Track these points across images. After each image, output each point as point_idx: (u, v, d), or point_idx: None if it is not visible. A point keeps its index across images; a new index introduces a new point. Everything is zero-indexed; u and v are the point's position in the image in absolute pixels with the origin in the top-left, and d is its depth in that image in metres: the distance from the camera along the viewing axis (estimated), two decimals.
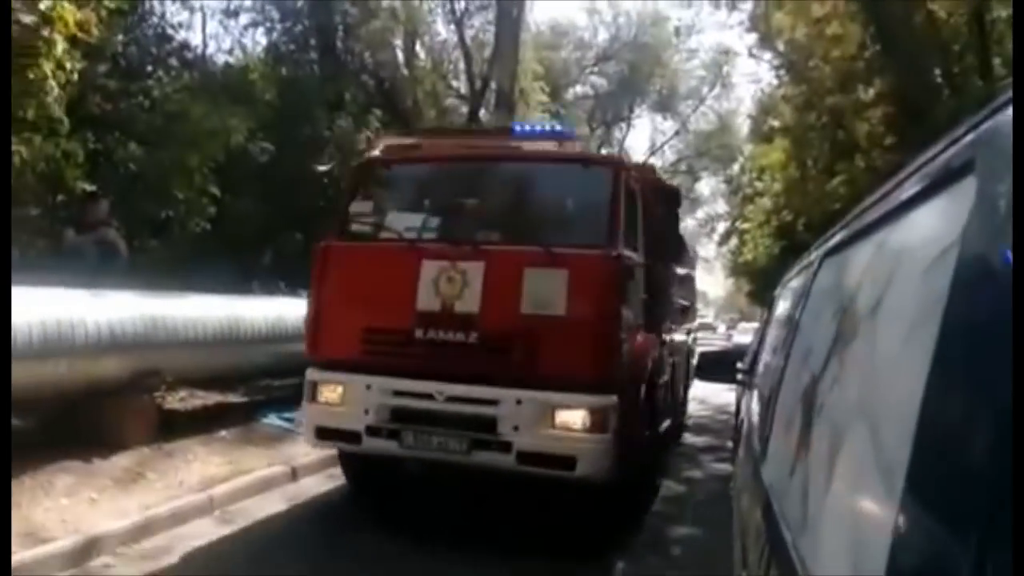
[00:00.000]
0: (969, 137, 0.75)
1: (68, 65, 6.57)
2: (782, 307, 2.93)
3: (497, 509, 5.19)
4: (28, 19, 5.63)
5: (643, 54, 33.25)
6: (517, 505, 5.05)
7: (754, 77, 27.63)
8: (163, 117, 8.70)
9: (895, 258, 1.02)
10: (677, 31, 32.03)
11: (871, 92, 14.26)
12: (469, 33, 18.19)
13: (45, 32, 5.77)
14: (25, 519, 4.15)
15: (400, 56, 16.08)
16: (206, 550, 4.27)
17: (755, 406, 2.89)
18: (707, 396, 13.32)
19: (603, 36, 35.57)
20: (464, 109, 18.47)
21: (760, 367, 3.16)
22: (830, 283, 1.64)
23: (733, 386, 10.62)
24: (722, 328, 41.47)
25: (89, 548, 3.97)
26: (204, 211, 8.60)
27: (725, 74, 35.50)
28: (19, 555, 3.66)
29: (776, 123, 22.11)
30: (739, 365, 4.41)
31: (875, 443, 0.87)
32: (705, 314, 39.65)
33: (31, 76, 6.04)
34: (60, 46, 6.24)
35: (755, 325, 17.32)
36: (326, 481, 6.02)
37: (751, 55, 20.57)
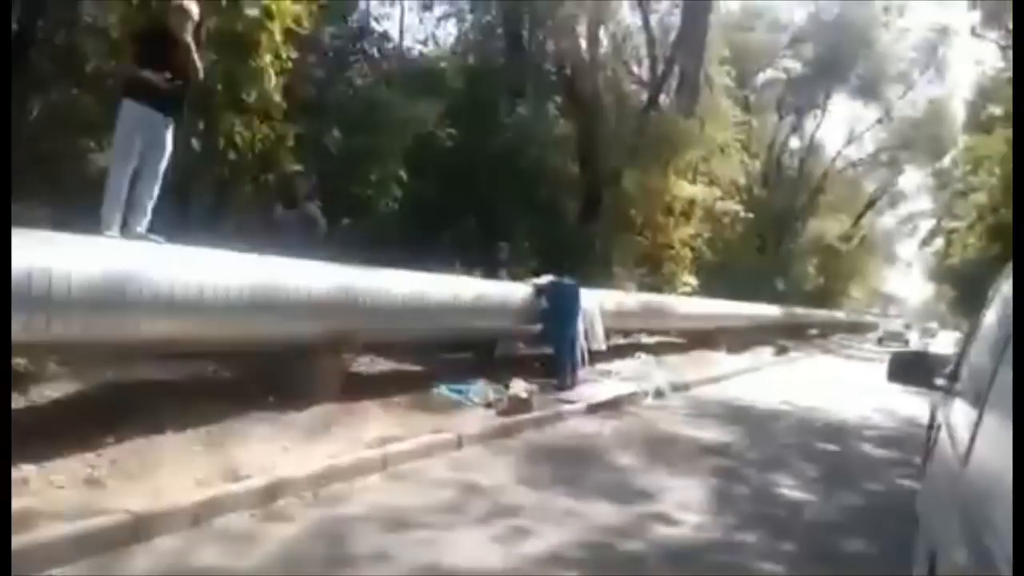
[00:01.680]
0: None
1: (284, 55, 7.29)
2: (999, 304, 2.60)
3: None
4: (252, 13, 6.30)
5: (844, 35, 30.64)
6: None
7: (976, 59, 24.50)
8: (362, 105, 9.39)
9: None
10: (886, 9, 29.20)
11: None
12: (654, 16, 17.80)
13: (267, 24, 6.42)
14: (227, 458, 4.70)
15: (583, 43, 16.10)
16: (377, 502, 4.60)
17: (956, 411, 2.60)
18: (892, 405, 12.22)
19: (800, 15, 33.34)
20: (644, 96, 18.15)
21: (966, 371, 2.83)
22: None
23: (925, 398, 9.67)
24: (914, 337, 37.34)
25: (277, 489, 4.41)
26: (392, 193, 9.20)
27: (940, 56, 31.98)
28: (216, 489, 4.16)
29: (999, 110, 19.60)
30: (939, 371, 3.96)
31: None
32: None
33: (253, 65, 6.77)
34: (278, 37, 6.95)
35: (956, 335, 15.55)
36: (487, 451, 6.25)
37: (974, 34, 18.29)
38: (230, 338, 5.06)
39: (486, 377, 8.29)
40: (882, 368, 12.43)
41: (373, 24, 11.33)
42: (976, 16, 17.52)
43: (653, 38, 17.68)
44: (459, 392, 7.73)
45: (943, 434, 2.74)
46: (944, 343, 22.20)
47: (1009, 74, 18.25)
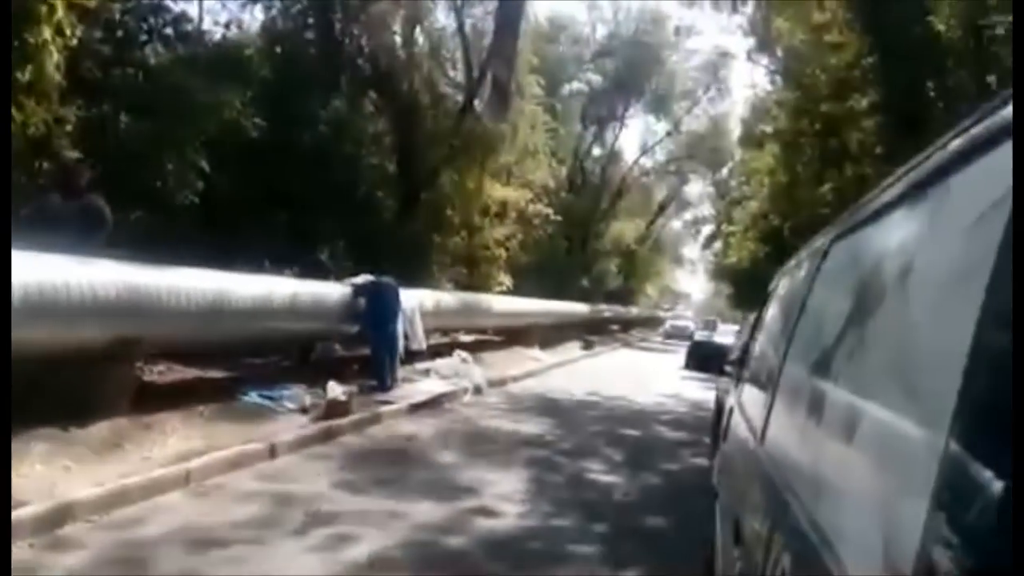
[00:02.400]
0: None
1: (68, 31, 6.44)
2: (780, 298, 2.92)
3: None
4: None
5: (641, 52, 33.28)
6: None
7: (750, 81, 27.84)
8: (156, 88, 8.54)
9: (927, 229, 1.01)
10: (677, 30, 32.13)
11: (865, 102, 14.34)
12: (469, 21, 18.06)
13: None
14: None
15: (398, 40, 15.95)
16: (179, 522, 4.21)
17: (747, 395, 2.89)
18: (683, 392, 13.46)
19: (602, 32, 35.60)
20: (460, 98, 18.35)
21: (753, 358, 3.16)
22: (844, 264, 1.63)
23: (711, 384, 10.75)
24: (697, 330, 31.70)
25: (61, 514, 3.89)
26: (192, 184, 8.47)
27: (721, 77, 35.71)
28: None
29: (768, 128, 22.21)
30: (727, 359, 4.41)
31: (912, 405, 0.86)
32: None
33: (31, 40, 5.92)
34: (60, 11, 6.12)
35: (735, 327, 17.46)
36: (304, 460, 5.96)
37: (749, 59, 20.66)
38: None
39: (302, 381, 7.93)
40: (672, 359, 13.89)
41: (169, 2, 10.39)
42: (751, 42, 19.73)
43: (468, 43, 17.92)
44: (271, 399, 7.31)
45: (736, 416, 3.04)
46: (724, 335, 24.76)
47: (776, 97, 20.80)
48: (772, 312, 3.03)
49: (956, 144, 0.97)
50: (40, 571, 3.37)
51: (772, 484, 1.54)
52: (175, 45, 9.69)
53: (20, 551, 3.53)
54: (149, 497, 4.49)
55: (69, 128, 7.18)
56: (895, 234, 1.24)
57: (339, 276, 10.11)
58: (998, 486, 0.56)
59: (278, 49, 12.63)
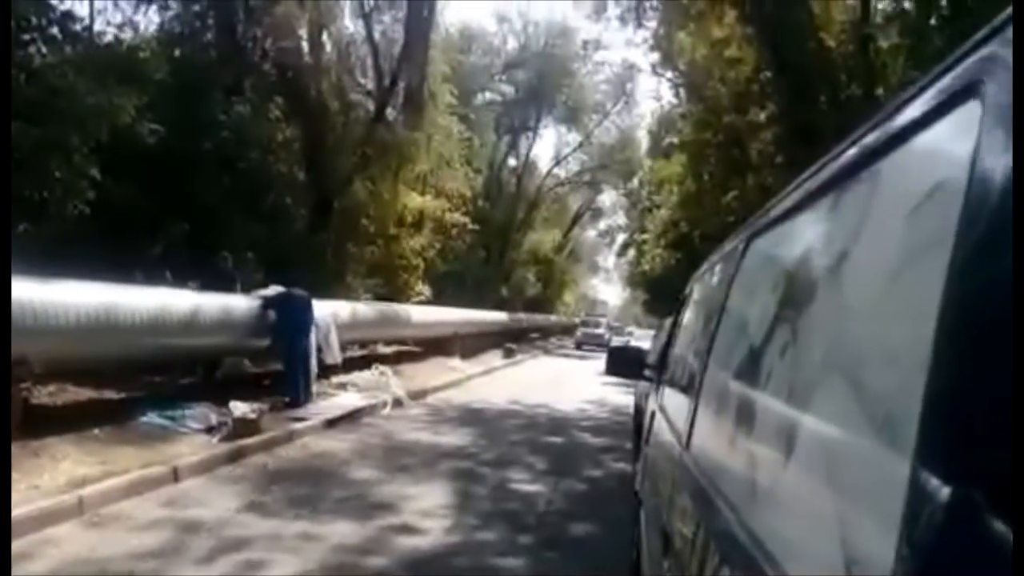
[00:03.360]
0: (971, 60, 0.70)
1: None
2: (698, 300, 2.95)
3: None
4: None
5: (551, 64, 33.88)
6: None
7: (656, 94, 28.86)
8: (42, 91, 7.94)
9: (851, 221, 0.99)
10: (585, 44, 32.81)
11: (764, 114, 15.03)
12: (378, 28, 17.82)
13: None
14: None
15: (304, 45, 15.52)
16: (71, 555, 3.87)
17: (669, 400, 2.89)
18: (605, 397, 13.65)
19: (512, 44, 36.02)
20: (371, 106, 18.06)
21: (673, 362, 3.17)
22: (763, 262, 1.63)
23: (630, 389, 10.94)
24: (605, 333, 34.43)
25: None
26: (83, 194, 7.90)
27: (629, 90, 36.74)
28: None
29: (675, 139, 22.98)
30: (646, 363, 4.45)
31: (843, 403, 0.82)
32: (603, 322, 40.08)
33: None
34: None
35: (650, 332, 17.89)
36: (211, 483, 5.63)
37: (654, 72, 21.28)
38: None
39: (208, 399, 7.51)
40: (591, 365, 14.09)
41: (54, 0, 9.71)
42: (655, 56, 20.31)
43: (378, 49, 17.66)
44: (172, 419, 6.89)
45: (659, 420, 3.04)
46: (641, 340, 25.35)
47: (681, 109, 21.53)
48: (690, 315, 3.06)
49: (877, 132, 0.96)
50: None
51: (701, 491, 1.51)
52: (62, 45, 9.05)
53: None
54: (38, 529, 4.13)
55: None
56: (816, 228, 1.23)
57: (245, 284, 9.69)
58: (943, 488, 0.54)
59: (176, 52, 12.04)
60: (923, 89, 0.83)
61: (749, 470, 1.18)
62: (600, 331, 35.28)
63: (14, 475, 4.70)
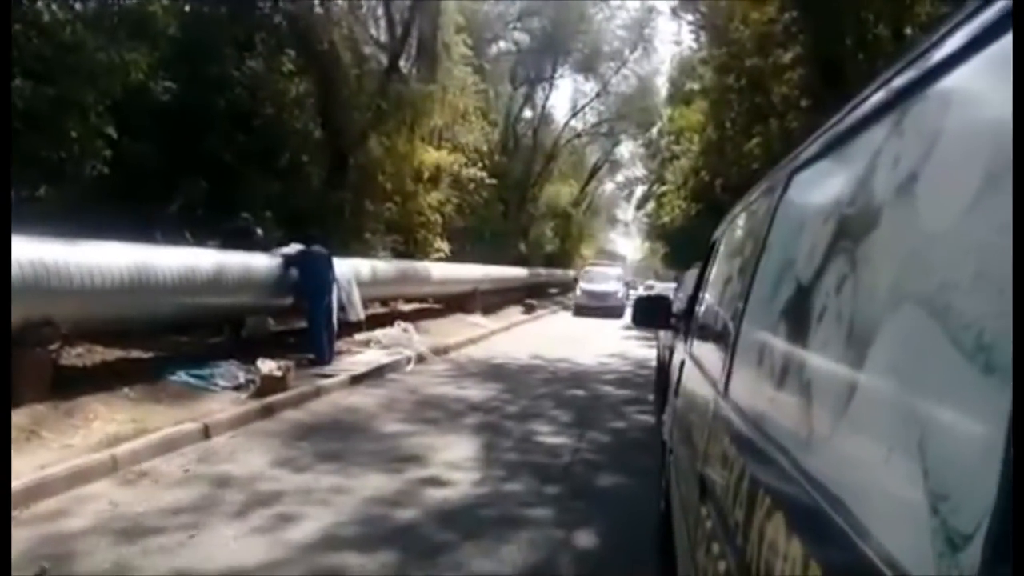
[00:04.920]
0: None
1: None
2: (729, 244, 2.86)
3: None
4: None
5: (567, 10, 32.90)
6: None
7: (675, 39, 28.00)
8: (53, 48, 7.85)
9: (914, 147, 0.91)
10: None
11: (788, 56, 14.56)
12: None
13: None
14: None
15: None
16: (106, 512, 3.94)
17: (700, 348, 2.82)
18: (627, 351, 13.65)
19: None
20: (384, 58, 17.76)
21: (704, 309, 3.10)
22: (809, 197, 1.54)
23: (652, 343, 10.89)
24: (617, 291, 25.02)
25: None
26: (99, 153, 7.87)
27: (647, 35, 35.74)
28: None
29: (695, 86, 22.43)
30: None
31: (909, 345, 0.76)
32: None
33: None
34: None
35: (671, 285, 17.74)
36: (241, 439, 5.71)
37: (674, 15, 20.57)
38: None
39: (234, 358, 7.59)
40: (611, 320, 14.08)
41: None
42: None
43: None
44: (200, 377, 6.97)
45: (689, 369, 2.98)
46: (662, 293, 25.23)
47: (702, 54, 20.94)
48: (721, 259, 2.97)
49: (940, 46, 0.89)
50: None
51: (743, 436, 1.46)
52: (71, 1, 8.92)
53: None
54: (74, 487, 4.21)
55: None
56: (869, 158, 1.14)
57: (268, 243, 9.69)
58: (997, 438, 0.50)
59: (186, 7, 11.84)
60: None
61: (803, 413, 1.12)
62: (610, 288, 24.23)
63: (48, 434, 4.81)
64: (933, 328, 0.70)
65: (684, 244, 22.63)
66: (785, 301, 1.44)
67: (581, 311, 23.36)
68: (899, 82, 1.01)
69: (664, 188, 30.67)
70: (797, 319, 1.31)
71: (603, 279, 25.48)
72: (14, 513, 3.76)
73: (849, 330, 0.99)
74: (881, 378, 0.83)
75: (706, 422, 2.05)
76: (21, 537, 3.51)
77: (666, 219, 30.36)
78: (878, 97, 1.10)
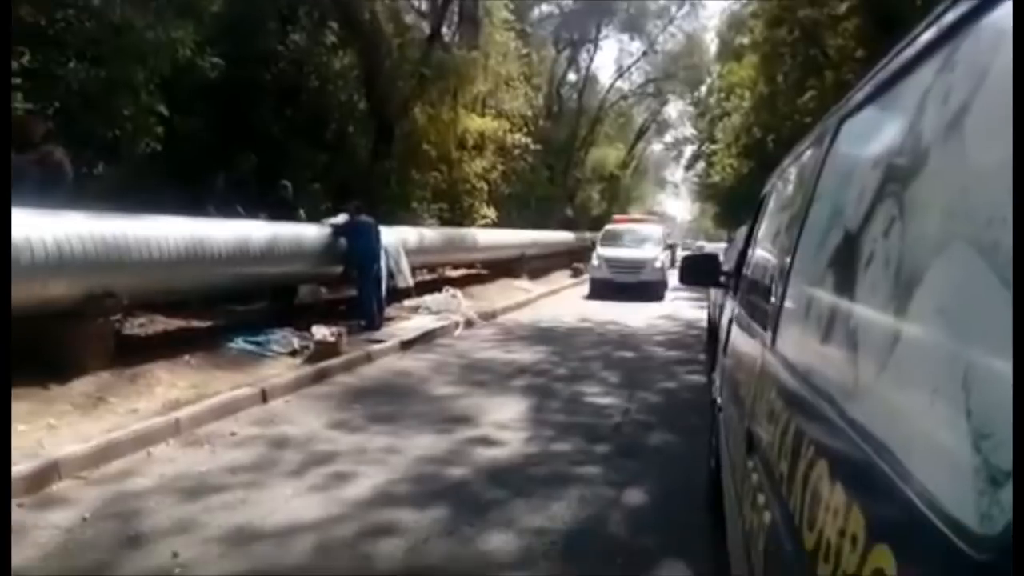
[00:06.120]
0: None
1: None
2: (778, 197, 2.78)
3: None
4: None
5: None
6: None
7: None
8: (103, 29, 8.05)
9: (983, 71, 0.86)
10: None
11: (844, 5, 13.93)
12: None
13: None
14: None
15: None
16: (171, 471, 4.13)
17: (749, 303, 2.77)
18: (677, 312, 13.51)
19: None
20: (426, 26, 17.65)
21: (753, 265, 3.03)
22: (859, 145, 1.48)
23: (703, 303, 10.74)
24: (656, 258, 17.08)
25: (48, 473, 3.79)
26: (152, 131, 8.08)
27: None
28: None
29: (745, 40, 21.69)
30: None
31: (959, 294, 0.73)
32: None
33: None
34: None
35: (722, 246, 17.38)
36: (297, 402, 5.88)
37: None
38: None
39: (288, 326, 7.80)
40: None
41: None
42: None
43: None
44: (257, 344, 7.19)
45: (738, 325, 2.93)
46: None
47: (752, 7, 20.19)
48: (770, 213, 2.89)
49: None
50: (35, 530, 3.27)
51: (789, 388, 1.43)
52: None
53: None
54: (139, 449, 4.40)
55: (17, 80, 6.75)
56: (921, 100, 1.08)
57: (311, 214, 9.83)
58: None
59: None
60: None
61: (848, 362, 1.09)
62: (644, 254, 16.63)
63: (113, 400, 5.03)
64: (978, 267, 0.66)
65: (735, 203, 22.11)
66: (833, 251, 1.40)
67: (598, 290, 15.97)
68: (949, 18, 0.96)
69: (714, 147, 29.94)
70: (844, 268, 1.27)
71: (634, 241, 17.33)
72: (85, 473, 3.97)
73: (896, 275, 0.96)
74: (926, 322, 0.80)
75: (754, 377, 2.02)
76: (92, 496, 3.71)
77: (716, 179, 29.70)
78: (927, 36, 1.06)
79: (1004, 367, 0.59)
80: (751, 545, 1.48)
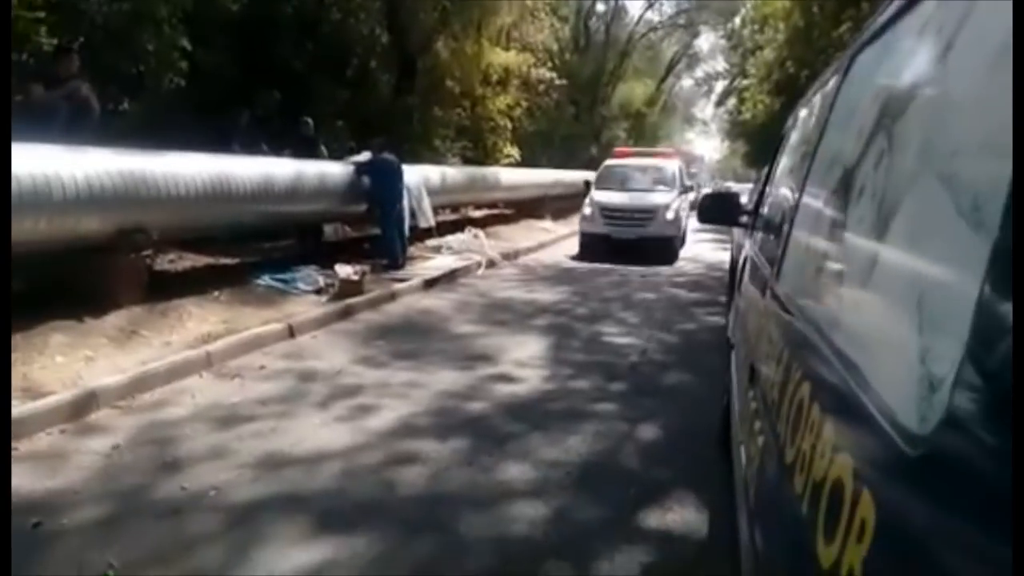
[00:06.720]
0: None
1: None
2: (794, 135, 2.75)
3: None
4: None
5: None
6: None
7: None
8: None
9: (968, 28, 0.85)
10: None
11: None
12: None
13: None
14: (22, 376, 4.16)
15: None
16: (204, 401, 4.31)
17: (762, 239, 2.78)
18: (699, 254, 13.44)
19: None
20: None
21: (768, 202, 3.03)
22: (868, 80, 1.47)
23: (726, 246, 10.65)
24: (671, 205, 12.76)
25: (87, 402, 3.99)
26: (176, 66, 8.09)
27: None
28: (17, 409, 3.68)
29: None
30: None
31: (942, 236, 0.76)
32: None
33: None
34: None
35: (749, 186, 17.11)
36: (323, 338, 6.04)
37: None
38: None
39: (314, 264, 7.93)
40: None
41: None
42: None
43: None
44: (284, 281, 7.35)
45: (751, 262, 2.95)
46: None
47: None
48: (786, 151, 2.87)
49: None
50: (76, 455, 3.48)
51: (785, 317, 1.47)
52: None
53: (52, 438, 3.66)
54: (173, 380, 4.59)
55: (40, 13, 6.77)
56: (927, 33, 1.07)
57: (335, 151, 9.84)
58: None
59: None
60: None
61: (835, 291, 1.14)
62: (652, 201, 12.67)
63: (147, 333, 5.22)
64: (943, 197, 0.69)
65: (766, 142, 21.58)
66: (831, 187, 1.43)
67: (589, 249, 12.46)
68: None
69: (746, 82, 29.07)
70: (836, 202, 1.30)
71: (640, 183, 13.47)
72: (122, 403, 4.17)
73: (877, 208, 0.99)
74: (897, 250, 0.83)
75: (759, 311, 2.06)
76: (129, 424, 3.91)
77: (747, 116, 28.90)
78: None
79: (953, 285, 0.62)
80: (747, 469, 1.55)
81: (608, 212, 12.44)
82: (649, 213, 12.33)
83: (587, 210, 12.92)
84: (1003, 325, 0.52)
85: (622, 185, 13.40)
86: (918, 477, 0.60)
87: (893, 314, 0.79)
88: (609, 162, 15.02)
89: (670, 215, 12.39)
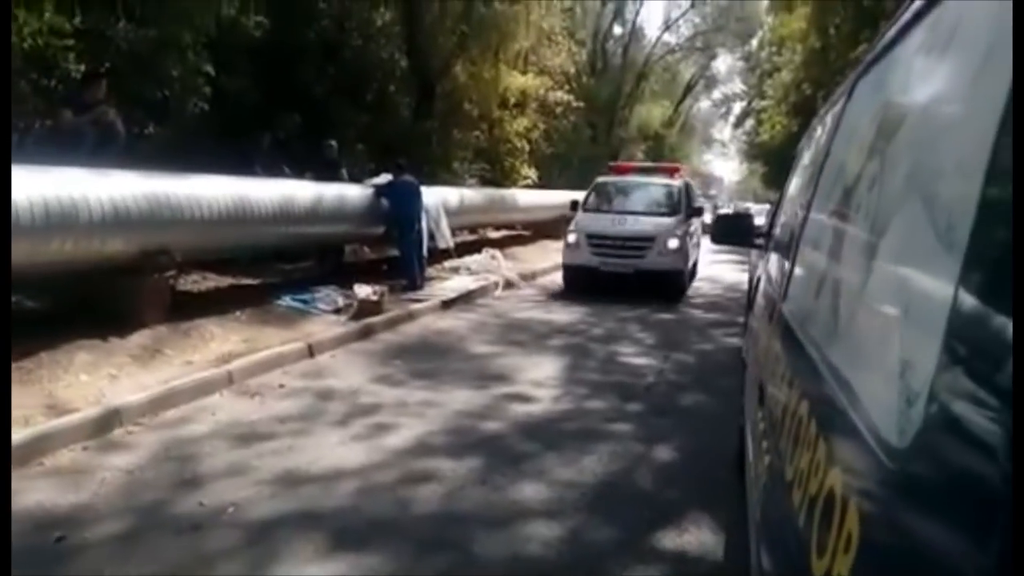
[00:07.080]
0: None
1: None
2: (803, 158, 2.78)
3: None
4: None
5: None
6: None
7: None
8: None
9: (951, 54, 0.89)
10: None
11: None
12: None
13: None
14: (47, 393, 4.25)
15: None
16: (225, 419, 4.38)
17: (773, 260, 2.80)
18: (717, 275, 13.40)
19: None
20: None
21: (779, 223, 3.05)
22: (867, 104, 1.51)
23: (744, 266, 10.60)
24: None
25: (110, 419, 4.06)
26: (200, 91, 8.29)
27: None
28: (42, 425, 3.77)
29: None
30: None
31: (925, 251, 0.79)
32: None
33: None
34: None
35: (767, 207, 17.09)
36: (342, 357, 6.11)
37: None
38: (24, 263, 4.42)
39: (333, 284, 8.03)
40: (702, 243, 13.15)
41: None
42: None
43: None
44: (304, 301, 7.44)
45: (763, 282, 2.97)
46: (757, 215, 24.24)
47: None
48: (797, 173, 2.90)
49: None
50: (98, 472, 3.54)
51: (791, 337, 1.50)
52: None
53: (75, 454, 3.73)
54: (194, 399, 4.66)
55: (69, 40, 6.99)
56: (918, 62, 1.11)
57: (354, 174, 9.98)
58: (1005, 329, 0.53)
59: None
60: None
61: (833, 310, 1.17)
62: (648, 227, 10.18)
63: (169, 352, 5.31)
64: (917, 215, 0.73)
65: (784, 162, 21.59)
66: (831, 208, 1.46)
67: (574, 284, 10.56)
68: None
69: (764, 104, 29.11)
70: (836, 222, 1.33)
71: (636, 204, 11.12)
72: (144, 420, 4.24)
73: (868, 229, 1.02)
74: (882, 265, 0.86)
75: (767, 332, 2.08)
76: (151, 440, 3.98)
77: (765, 137, 28.91)
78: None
79: (929, 300, 0.65)
80: (756, 488, 1.56)
81: (596, 240, 10.10)
82: (647, 241, 9.96)
83: (571, 236, 10.40)
84: (973, 338, 0.55)
85: (616, 206, 11.07)
86: (899, 489, 0.62)
87: (879, 331, 0.82)
88: (602, 179, 12.38)
89: (673, 243, 10.00)
